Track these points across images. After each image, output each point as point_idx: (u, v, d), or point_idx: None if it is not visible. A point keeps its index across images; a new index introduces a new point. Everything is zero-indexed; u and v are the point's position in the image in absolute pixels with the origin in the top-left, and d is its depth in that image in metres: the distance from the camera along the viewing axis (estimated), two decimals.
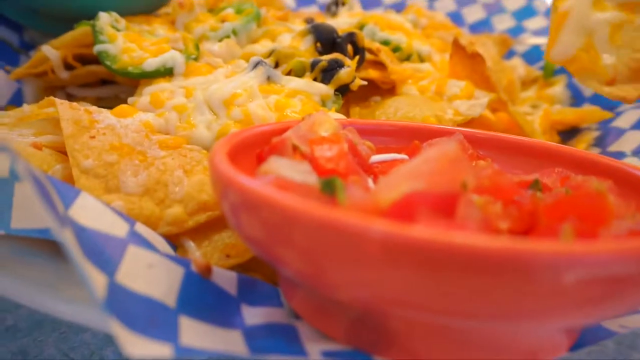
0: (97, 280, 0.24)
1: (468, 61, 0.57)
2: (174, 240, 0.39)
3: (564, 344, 0.28)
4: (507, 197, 0.29)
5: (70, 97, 0.60)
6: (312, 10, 0.92)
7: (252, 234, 0.28)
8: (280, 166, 0.30)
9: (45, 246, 0.34)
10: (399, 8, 0.90)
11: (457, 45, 0.57)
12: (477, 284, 0.20)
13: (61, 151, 0.43)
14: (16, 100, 0.57)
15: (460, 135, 0.42)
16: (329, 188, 0.28)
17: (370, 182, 0.34)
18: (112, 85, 0.60)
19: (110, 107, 0.57)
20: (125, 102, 0.60)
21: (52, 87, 0.59)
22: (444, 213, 0.26)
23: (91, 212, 0.30)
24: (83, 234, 0.27)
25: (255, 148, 0.37)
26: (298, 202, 0.24)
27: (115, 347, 0.47)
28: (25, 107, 0.50)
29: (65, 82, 0.57)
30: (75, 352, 0.46)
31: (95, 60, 0.56)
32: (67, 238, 0.24)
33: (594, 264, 0.20)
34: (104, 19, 0.53)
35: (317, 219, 0.23)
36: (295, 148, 0.36)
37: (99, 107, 0.56)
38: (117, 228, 0.30)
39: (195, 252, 0.38)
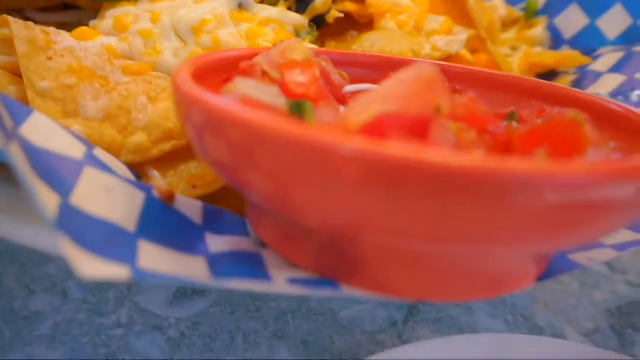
0: (49, 199, 0.23)
1: None
2: (137, 170, 0.37)
3: (532, 273, 0.28)
4: (482, 126, 0.29)
5: (30, 21, 0.56)
6: None
7: (217, 156, 0.27)
8: (246, 87, 0.28)
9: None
10: None
11: None
12: (450, 203, 0.20)
13: (15, 73, 0.40)
14: None
15: (437, 67, 0.41)
16: (297, 110, 0.27)
17: (342, 109, 0.33)
18: (75, 10, 0.56)
19: None
20: None
21: (7, 10, 0.56)
22: (416, 136, 0.24)
23: (45, 131, 0.28)
24: (34, 153, 0.26)
25: (223, 73, 0.35)
26: (266, 118, 0.23)
27: (79, 280, 0.46)
28: None
29: (23, 3, 0.54)
30: (36, 284, 0.45)
31: None
32: (14, 153, 0.22)
33: (571, 184, 0.19)
34: None
35: (286, 135, 0.22)
36: (264, 73, 0.34)
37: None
38: (73, 150, 0.28)
39: (160, 182, 0.36)
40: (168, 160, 0.38)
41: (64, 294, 0.44)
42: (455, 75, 0.41)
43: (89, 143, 0.32)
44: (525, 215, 0.20)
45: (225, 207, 0.38)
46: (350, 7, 0.56)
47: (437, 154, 0.19)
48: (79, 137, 0.30)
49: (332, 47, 0.55)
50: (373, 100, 0.25)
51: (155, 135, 0.37)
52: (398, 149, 0.20)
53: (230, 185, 0.29)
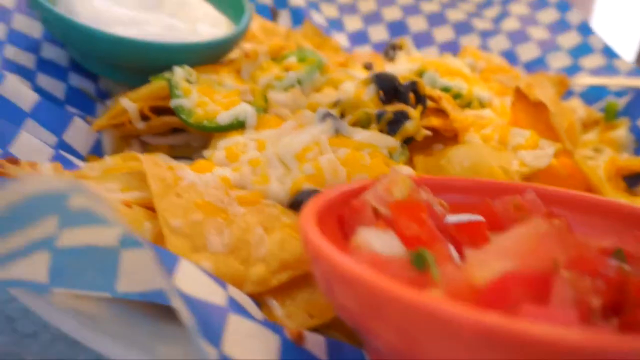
0: (211, 354, 0.26)
1: (531, 109, 0.58)
2: (257, 299, 0.40)
3: None
4: (593, 269, 0.30)
5: (145, 145, 0.63)
6: (365, 50, 0.94)
7: (344, 304, 0.29)
8: (369, 239, 0.31)
9: (140, 307, 0.36)
10: (453, 48, 0.91)
11: (519, 94, 0.58)
12: None
13: (147, 207, 0.45)
14: (96, 149, 0.60)
15: (533, 192, 0.43)
16: (419, 262, 0.29)
17: (452, 250, 0.35)
18: (184, 134, 0.62)
19: (182, 155, 0.60)
20: (196, 149, 0.63)
21: (127, 136, 0.62)
22: (537, 293, 0.26)
23: (192, 279, 0.32)
24: (189, 303, 0.29)
25: (336, 209, 0.39)
26: (391, 284, 0.25)
27: None
28: (108, 159, 0.53)
29: (141, 131, 0.60)
30: None
31: (169, 111, 0.59)
32: (181, 308, 0.26)
33: None
34: (179, 73, 0.55)
35: (410, 302, 0.24)
36: (375, 211, 0.37)
37: (171, 154, 0.59)
38: (218, 296, 0.31)
39: (279, 311, 0.39)
40: (284, 289, 0.41)
41: None
42: (551, 198, 0.43)
43: (222, 282, 0.35)
44: None
45: (338, 333, 0.40)
46: (435, 122, 0.59)
47: (571, 333, 0.21)
48: (215, 278, 0.34)
49: (420, 160, 0.58)
50: (494, 256, 0.27)
51: (273, 266, 0.40)
52: (523, 325, 0.22)
53: (354, 329, 0.31)
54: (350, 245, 0.31)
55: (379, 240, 0.31)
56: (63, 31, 0.60)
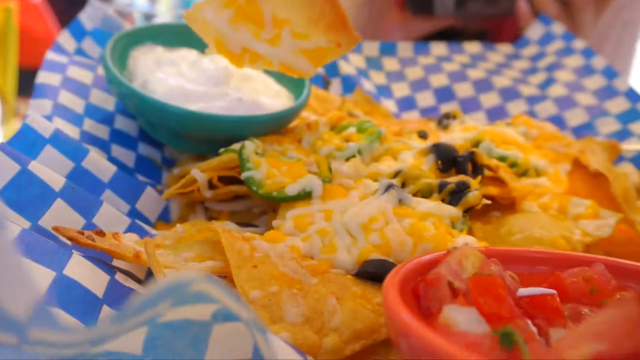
0: None
1: (589, 179, 0.59)
2: None
3: None
4: None
5: (208, 211, 0.66)
6: (413, 115, 0.97)
7: None
8: (455, 317, 0.32)
9: None
10: (500, 112, 0.93)
11: (578, 164, 0.59)
12: None
13: (221, 276, 0.47)
14: (163, 215, 0.63)
15: (602, 265, 0.43)
16: (507, 341, 0.30)
17: (530, 325, 0.36)
18: (246, 200, 0.65)
19: (243, 221, 0.63)
20: (256, 215, 0.66)
21: (193, 202, 0.65)
22: None
23: (282, 350, 0.33)
24: None
25: (410, 282, 0.40)
26: None
27: None
28: (179, 228, 0.56)
29: (206, 199, 0.63)
30: None
31: (234, 180, 0.62)
32: None
33: None
34: (250, 147, 0.58)
35: None
36: (450, 285, 0.38)
37: (233, 220, 0.62)
38: None
39: None
40: (356, 358, 0.42)
41: None
42: (620, 271, 0.43)
43: (303, 353, 0.36)
44: None
45: None
46: (493, 191, 0.60)
47: None
48: (301, 353, 0.35)
49: (478, 228, 0.59)
50: (583, 337, 0.28)
51: (346, 336, 0.41)
52: None
53: None
54: (435, 323, 0.33)
55: (464, 318, 0.32)
56: (138, 105, 0.65)
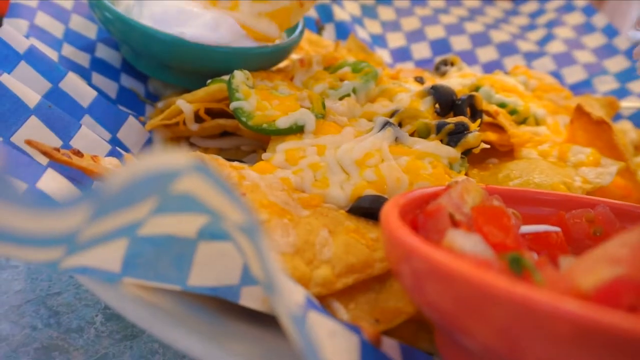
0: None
1: (591, 127, 0.57)
2: (321, 301, 0.39)
3: None
4: None
5: (193, 147, 0.63)
6: (407, 66, 0.94)
7: (437, 303, 0.28)
8: (461, 241, 0.30)
9: (208, 301, 0.36)
10: (496, 67, 0.90)
11: (580, 112, 0.57)
12: None
13: None
14: (146, 149, 0.60)
15: (606, 207, 0.42)
16: (516, 266, 0.28)
17: (534, 256, 0.34)
18: (234, 137, 0.62)
19: (231, 158, 0.60)
20: (245, 153, 0.63)
21: (177, 137, 0.62)
22: None
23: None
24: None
25: (409, 214, 0.38)
26: (501, 280, 0.24)
27: None
28: None
29: (192, 133, 0.60)
30: None
31: (222, 113, 0.58)
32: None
33: None
34: (239, 77, 0.55)
35: (524, 299, 0.23)
36: (451, 216, 0.36)
37: (221, 157, 0.59)
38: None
39: (344, 315, 0.38)
40: (347, 291, 0.40)
41: None
42: (624, 214, 0.42)
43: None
44: None
45: (397, 338, 0.39)
46: (492, 137, 0.58)
47: None
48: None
49: (475, 174, 0.57)
50: (600, 261, 0.26)
51: (339, 269, 0.39)
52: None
53: (442, 328, 0.30)
54: (440, 246, 0.30)
55: (469, 243, 0.30)
56: (121, 31, 0.61)
